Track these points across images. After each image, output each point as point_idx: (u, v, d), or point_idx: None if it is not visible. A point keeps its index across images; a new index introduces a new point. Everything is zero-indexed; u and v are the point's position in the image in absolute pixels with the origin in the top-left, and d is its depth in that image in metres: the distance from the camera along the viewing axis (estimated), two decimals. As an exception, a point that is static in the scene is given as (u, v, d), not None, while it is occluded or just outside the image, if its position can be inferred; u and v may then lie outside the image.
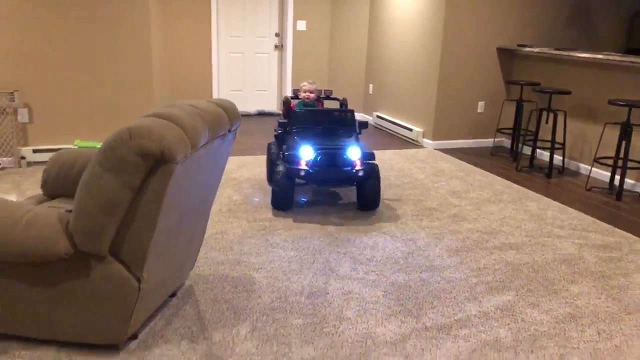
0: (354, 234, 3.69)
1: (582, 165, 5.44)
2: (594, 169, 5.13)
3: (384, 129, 7.18)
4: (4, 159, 4.85)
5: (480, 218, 4.08)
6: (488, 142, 6.46)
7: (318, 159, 3.77)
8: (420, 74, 6.43)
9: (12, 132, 4.83)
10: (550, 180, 5.21)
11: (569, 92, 5.21)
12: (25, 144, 4.94)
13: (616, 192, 4.72)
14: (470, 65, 6.18)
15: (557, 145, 5.34)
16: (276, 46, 7.86)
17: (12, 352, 2.28)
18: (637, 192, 4.82)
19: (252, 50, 7.78)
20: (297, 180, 3.96)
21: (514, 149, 6.00)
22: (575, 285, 3.09)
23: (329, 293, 2.88)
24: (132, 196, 2.07)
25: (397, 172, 5.22)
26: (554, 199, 4.59)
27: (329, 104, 4.86)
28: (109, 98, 5.09)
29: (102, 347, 2.32)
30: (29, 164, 4.94)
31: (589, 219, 4.15)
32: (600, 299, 2.94)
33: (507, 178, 5.18)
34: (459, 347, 2.46)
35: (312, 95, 4.54)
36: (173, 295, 2.79)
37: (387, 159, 5.67)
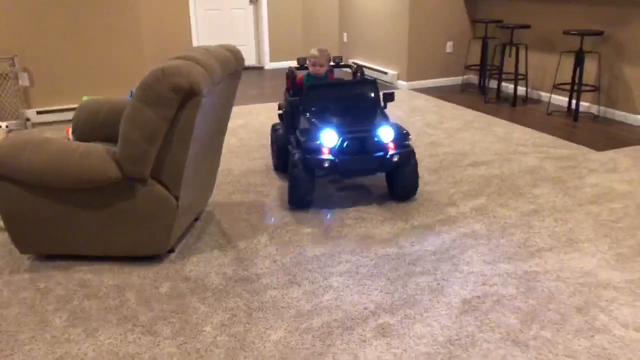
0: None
1: (543, 93, 5.95)
2: (553, 95, 5.65)
3: (359, 74, 7.59)
4: (12, 121, 5.17)
5: (454, 143, 4.58)
6: (458, 79, 6.93)
7: (344, 145, 3.12)
8: (392, 19, 6.82)
9: (16, 95, 5.13)
10: (515, 108, 5.72)
11: (528, 26, 5.68)
12: (29, 107, 5.25)
13: (573, 114, 5.26)
14: (438, 7, 6.58)
15: (520, 77, 5.83)
16: (251, 1, 8.12)
17: (74, 268, 2.72)
18: (592, 113, 5.36)
19: (227, 6, 8.04)
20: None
21: (482, 84, 6.49)
22: (538, 188, 3.62)
23: (330, 208, 3.36)
24: (168, 127, 2.49)
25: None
26: (519, 124, 5.11)
27: (340, 74, 4.42)
28: (103, 57, 5.40)
29: (147, 258, 2.77)
30: (34, 125, 5.27)
31: (549, 137, 4.68)
32: (557, 197, 3.48)
33: (477, 109, 5.67)
34: (442, 238, 2.98)
35: (322, 68, 3.75)
36: (197, 219, 3.24)
37: (366, 100, 6.11)
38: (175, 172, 2.60)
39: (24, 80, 5.15)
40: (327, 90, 3.53)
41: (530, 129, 4.93)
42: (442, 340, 2.15)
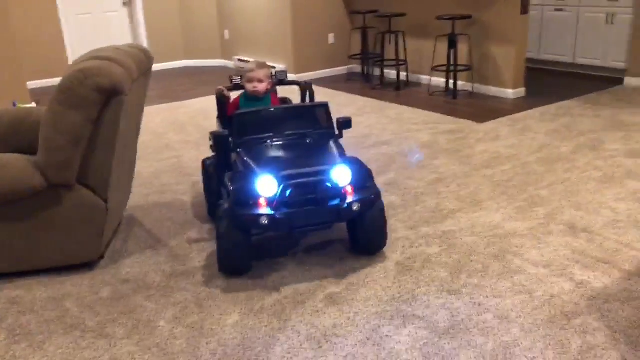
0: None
1: (422, 76, 6.42)
2: (432, 77, 6.12)
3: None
4: None
5: (354, 128, 4.82)
6: (342, 69, 7.25)
7: (287, 194, 2.41)
8: (274, 14, 6.97)
9: None
10: (399, 92, 6.12)
11: (404, 14, 6.09)
12: None
13: (452, 92, 5.75)
14: (317, 0, 6.83)
15: (400, 62, 6.24)
16: (124, 2, 7.87)
17: (0, 287, 2.58)
18: (467, 90, 5.90)
19: (100, 9, 7.72)
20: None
21: (365, 72, 6.84)
22: (437, 160, 3.96)
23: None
24: (92, 129, 2.44)
25: (272, 104, 5.81)
26: (406, 105, 5.49)
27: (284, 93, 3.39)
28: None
29: (78, 267, 2.69)
30: None
31: (436, 115, 5.10)
32: (455, 165, 3.84)
33: (366, 96, 6.00)
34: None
35: (262, 85, 2.97)
36: (119, 223, 3.17)
37: (259, 95, 6.21)
38: (102, 175, 2.55)
39: None
40: (264, 118, 2.78)
41: (417, 109, 5.32)
42: (387, 299, 2.35)
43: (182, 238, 2.98)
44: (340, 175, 2.48)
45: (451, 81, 5.85)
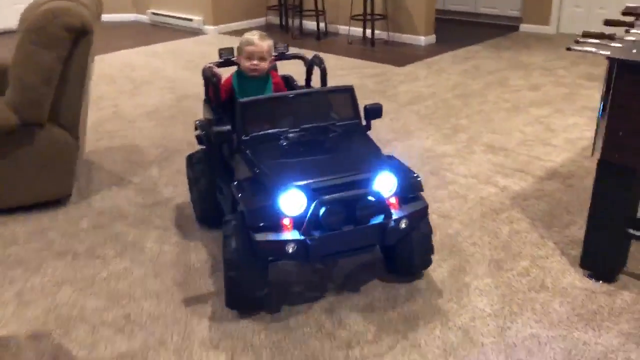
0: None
1: (340, 26, 6.73)
2: (350, 27, 6.45)
3: (163, 24, 7.59)
4: None
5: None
6: (261, 20, 7.39)
7: (321, 213, 1.83)
8: (189, -34, 6.93)
9: None
10: (320, 41, 6.41)
11: (321, -34, 6.33)
12: None
13: (369, 41, 6.13)
14: (233, -47, 6.88)
15: (319, 12, 6.51)
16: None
17: (-27, 225, 2.65)
18: (383, 38, 6.30)
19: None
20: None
21: (283, 23, 7.05)
22: (366, 100, 4.30)
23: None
24: (62, 68, 2.54)
25: (197, 54, 5.90)
26: (329, 53, 5.80)
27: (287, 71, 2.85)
28: None
29: (49, 204, 2.80)
30: None
31: (358, 61, 5.45)
32: (385, 103, 4.19)
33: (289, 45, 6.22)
34: (311, 145, 3.50)
35: (264, 63, 2.36)
36: (76, 166, 3.28)
37: (178, 47, 6.27)
38: (72, 113, 2.67)
39: None
40: (276, 108, 2.20)
41: (340, 56, 5.65)
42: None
43: (145, 175, 3.15)
44: (385, 184, 1.92)
45: (368, 30, 6.21)
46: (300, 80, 2.76)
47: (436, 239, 2.42)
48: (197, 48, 6.21)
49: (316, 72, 2.60)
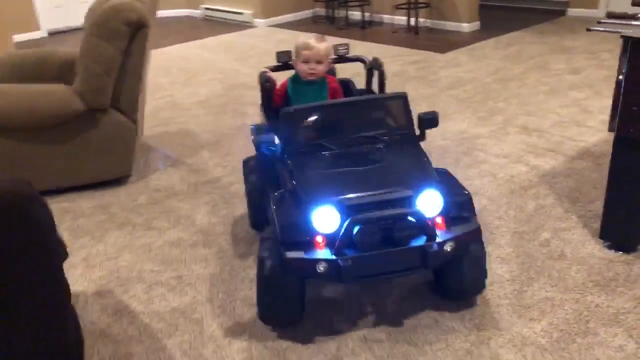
0: (241, 90, 4.64)
1: (385, 15, 6.86)
2: (395, 16, 6.57)
3: (214, 19, 7.92)
4: None
5: (327, 63, 5.27)
6: (307, 12, 7.61)
7: (354, 231, 1.74)
8: (239, -39, 7.21)
9: None
10: (364, 31, 6.56)
11: (366, -43, 6.47)
12: None
13: (413, 29, 6.23)
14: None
15: (364, 3, 6.65)
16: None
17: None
18: (427, 26, 6.39)
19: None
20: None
21: (329, 14, 7.23)
22: (407, 85, 4.47)
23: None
24: (122, 58, 2.82)
25: (247, 47, 6.16)
26: (373, 42, 5.95)
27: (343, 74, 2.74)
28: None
29: (111, 183, 3.11)
30: None
31: (401, 49, 5.58)
32: (424, 88, 4.36)
33: (333, 35, 6.40)
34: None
35: (321, 67, 2.31)
36: (135, 149, 3.58)
37: (229, 40, 6.55)
38: (131, 99, 2.96)
39: None
40: (323, 117, 2.09)
41: (383, 45, 5.79)
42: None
43: (196, 157, 3.42)
44: (429, 203, 1.78)
45: (412, 18, 6.31)
46: (362, 83, 2.64)
47: (464, 213, 2.56)
48: (247, 41, 6.49)
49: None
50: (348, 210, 1.74)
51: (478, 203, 2.66)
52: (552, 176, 2.87)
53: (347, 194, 1.79)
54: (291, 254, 1.76)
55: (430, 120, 2.07)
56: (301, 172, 1.93)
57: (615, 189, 2.17)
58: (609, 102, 3.72)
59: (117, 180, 3.12)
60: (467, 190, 1.90)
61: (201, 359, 1.88)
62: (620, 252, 2.22)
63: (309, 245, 1.76)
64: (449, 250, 1.76)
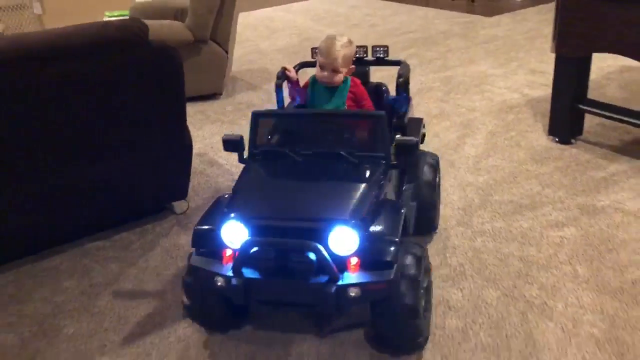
0: (312, 42, 5.69)
1: (448, -15, 7.63)
2: (456, -14, 7.34)
3: (299, -12, 8.98)
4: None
5: (387, 24, 6.20)
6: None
7: (251, 254, 1.65)
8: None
9: (32, 24, 6.24)
10: (428, -1, 7.40)
11: None
12: (45, 30, 6.37)
13: (471, -3, 7.01)
14: None
15: (430, -26, 7.46)
16: None
17: (162, 107, 4.18)
18: (485, -5, 7.13)
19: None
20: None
21: (401, -16, 8.08)
22: (449, 40, 5.33)
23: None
24: (220, 2, 3.93)
25: (322, 10, 7.18)
26: (431, 7, 6.79)
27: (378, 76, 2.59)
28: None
29: (208, 97, 4.24)
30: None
31: (455, 13, 6.39)
32: (462, 42, 5.20)
33: (395, 1, 7.29)
34: (392, 68, 4.64)
35: (337, 76, 2.14)
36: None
37: (308, 5, 7.60)
38: (225, 34, 4.07)
39: (37, 9, 6.25)
40: (291, 125, 2.06)
41: (440, 9, 6.62)
42: (403, 104, 3.84)
43: (270, 85, 4.47)
44: (341, 241, 1.62)
45: (471, -12, 7.06)
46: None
47: (458, 120, 3.48)
48: (324, 6, 7.51)
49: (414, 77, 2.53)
50: (254, 230, 1.66)
51: (472, 115, 3.57)
52: (537, 101, 3.70)
53: (264, 212, 1.73)
54: (195, 260, 1.72)
55: (405, 147, 1.86)
56: (246, 179, 1.88)
57: (556, 99, 3.01)
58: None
59: (212, 95, 4.26)
60: (396, 238, 1.65)
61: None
62: (560, 144, 3.07)
63: (217, 258, 1.70)
64: (352, 295, 1.58)
